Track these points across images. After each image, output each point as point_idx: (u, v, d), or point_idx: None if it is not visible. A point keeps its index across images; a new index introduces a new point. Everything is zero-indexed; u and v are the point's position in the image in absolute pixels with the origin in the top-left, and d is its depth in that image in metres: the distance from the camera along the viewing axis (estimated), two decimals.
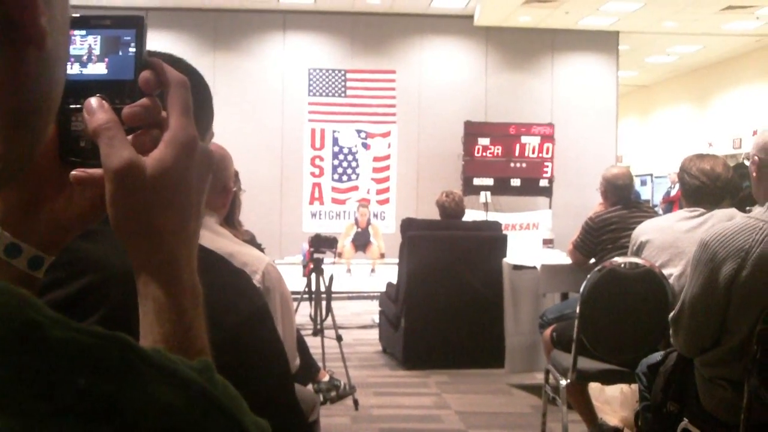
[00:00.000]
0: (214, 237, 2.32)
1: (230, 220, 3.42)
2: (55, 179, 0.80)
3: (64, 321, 0.42)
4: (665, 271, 4.03)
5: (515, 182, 12.31)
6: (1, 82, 0.51)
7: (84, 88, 0.75)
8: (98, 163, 0.72)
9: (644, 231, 4.25)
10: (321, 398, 4.66)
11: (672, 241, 4.08)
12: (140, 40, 0.77)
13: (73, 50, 0.76)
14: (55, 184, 0.81)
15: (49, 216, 0.82)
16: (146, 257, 0.74)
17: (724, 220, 3.51)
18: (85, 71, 0.76)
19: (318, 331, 5.73)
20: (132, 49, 0.77)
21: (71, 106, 0.76)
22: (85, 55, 0.77)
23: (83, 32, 0.77)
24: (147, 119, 0.74)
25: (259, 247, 3.80)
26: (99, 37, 0.77)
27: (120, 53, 0.77)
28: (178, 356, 0.46)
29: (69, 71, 0.75)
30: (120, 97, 0.75)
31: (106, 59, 0.77)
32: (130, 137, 0.73)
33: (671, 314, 3.11)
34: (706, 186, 3.97)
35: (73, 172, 0.76)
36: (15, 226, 0.80)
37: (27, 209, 0.81)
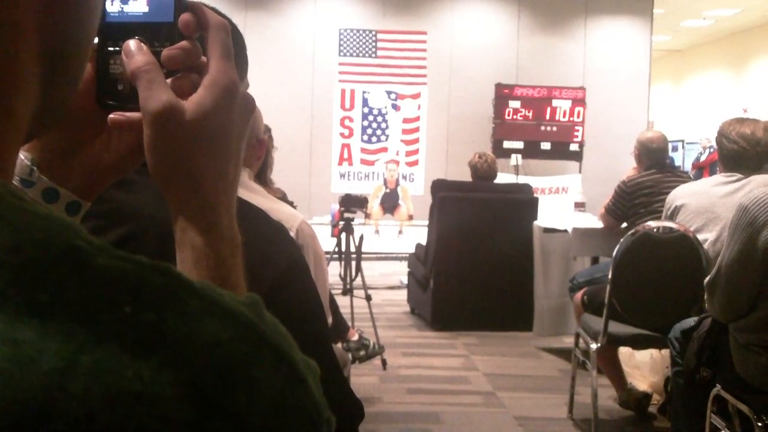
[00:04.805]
0: (247, 193, 2.29)
1: (262, 178, 3.41)
2: (93, 123, 0.79)
3: (108, 247, 0.40)
4: (700, 236, 3.98)
5: (545, 146, 12.22)
6: (35, 22, 0.49)
7: (122, 30, 0.73)
8: (137, 107, 0.70)
9: (679, 195, 4.20)
10: (350, 357, 4.67)
11: (708, 206, 4.03)
12: None
13: None
14: (92, 128, 0.80)
15: (86, 161, 0.81)
16: (184, 203, 0.72)
17: (763, 186, 3.46)
18: (126, 8, 0.74)
19: (347, 291, 5.75)
20: None
21: (109, 49, 0.74)
22: None
23: None
24: (186, 62, 0.72)
25: (291, 204, 3.79)
26: None
27: None
28: (226, 291, 0.44)
29: (110, 9, 0.74)
30: (159, 40, 0.72)
31: None
32: (169, 81, 0.71)
33: (707, 279, 3.07)
34: (745, 151, 3.90)
35: (111, 116, 0.74)
36: (52, 171, 0.79)
37: (64, 154, 0.80)
